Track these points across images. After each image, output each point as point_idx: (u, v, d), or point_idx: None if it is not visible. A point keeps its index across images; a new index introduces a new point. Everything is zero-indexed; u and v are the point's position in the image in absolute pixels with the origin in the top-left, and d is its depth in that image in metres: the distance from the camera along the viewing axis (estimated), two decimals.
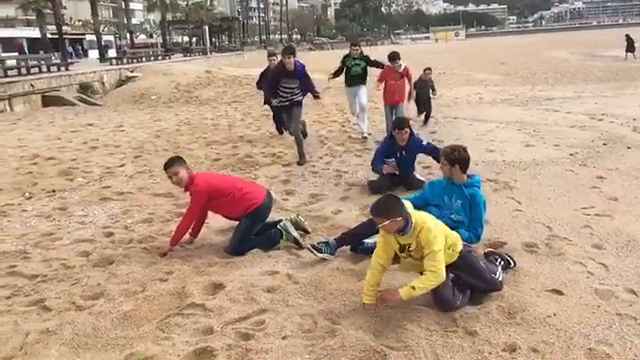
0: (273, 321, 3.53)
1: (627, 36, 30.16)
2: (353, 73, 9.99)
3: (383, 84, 9.92)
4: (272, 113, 10.47)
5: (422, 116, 11.67)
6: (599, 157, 7.89)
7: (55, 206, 6.43)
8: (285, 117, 8.94)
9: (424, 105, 11.58)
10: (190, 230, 4.95)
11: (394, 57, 9.83)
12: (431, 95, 11.76)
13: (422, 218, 3.61)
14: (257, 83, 11.08)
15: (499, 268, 3.95)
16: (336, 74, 10.24)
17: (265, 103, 9.90)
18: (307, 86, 8.39)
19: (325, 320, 3.54)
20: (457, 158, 4.46)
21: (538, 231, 5.03)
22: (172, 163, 4.74)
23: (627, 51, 29.22)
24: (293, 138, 8.60)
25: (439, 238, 3.52)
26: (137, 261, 4.63)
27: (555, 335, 3.29)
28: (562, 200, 6.00)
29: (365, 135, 9.94)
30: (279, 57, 9.01)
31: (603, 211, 5.55)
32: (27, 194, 6.97)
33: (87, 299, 3.96)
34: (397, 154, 6.57)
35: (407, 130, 6.47)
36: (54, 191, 7.09)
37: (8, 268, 4.56)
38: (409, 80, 10.17)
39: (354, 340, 3.24)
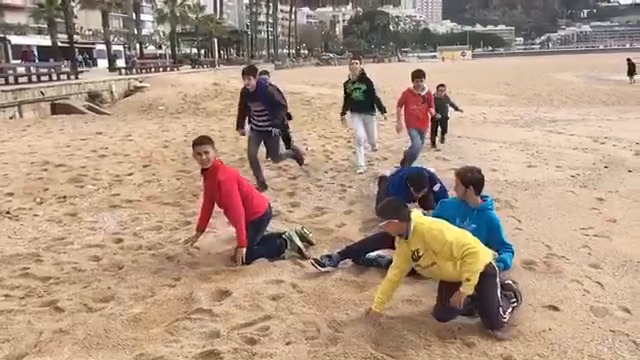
0: (278, 327, 3.66)
1: (628, 60, 30.43)
2: (354, 99, 8.53)
3: (403, 109, 8.64)
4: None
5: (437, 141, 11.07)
6: (600, 179, 8.02)
7: (66, 211, 6.58)
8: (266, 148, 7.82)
9: (442, 126, 10.99)
10: (197, 223, 5.07)
11: (418, 75, 8.31)
12: (449, 114, 11.26)
13: (429, 223, 3.65)
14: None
15: (510, 308, 3.74)
16: (345, 108, 8.90)
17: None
18: (272, 112, 7.33)
19: (328, 328, 3.66)
20: (472, 180, 4.29)
21: (537, 249, 5.15)
22: (205, 141, 4.79)
23: (629, 74, 29.46)
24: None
25: (445, 231, 3.57)
26: (146, 267, 4.77)
27: (550, 349, 3.41)
28: (562, 220, 6.13)
29: (361, 171, 8.48)
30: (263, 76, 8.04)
31: (601, 232, 5.68)
32: (38, 199, 7.13)
33: (98, 302, 4.10)
34: (410, 202, 5.95)
35: (425, 189, 5.77)
36: (64, 197, 7.25)
37: (21, 270, 4.70)
38: (430, 104, 8.68)
39: (355, 348, 3.37)
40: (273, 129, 7.33)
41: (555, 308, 3.97)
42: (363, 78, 8.46)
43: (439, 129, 11.08)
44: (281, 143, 8.17)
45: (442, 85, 11.39)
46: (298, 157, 8.36)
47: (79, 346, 3.44)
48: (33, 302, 4.10)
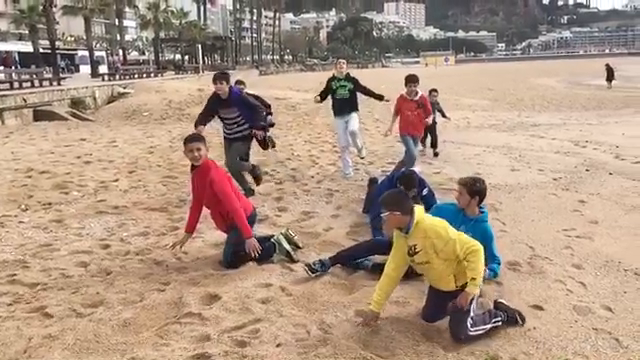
0: (267, 330, 3.69)
1: (607, 65, 31.02)
2: (338, 97, 8.47)
3: (398, 117, 8.47)
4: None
5: (428, 145, 10.73)
6: (581, 182, 8.18)
7: (51, 218, 6.54)
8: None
9: (430, 132, 10.34)
10: (186, 224, 5.09)
11: (411, 79, 8.17)
12: (436, 120, 10.39)
13: (431, 220, 3.62)
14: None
15: (489, 325, 3.64)
16: (322, 95, 8.77)
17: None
18: (249, 117, 7.18)
19: (317, 330, 3.70)
20: (478, 190, 4.33)
21: (521, 251, 5.25)
22: (197, 138, 4.86)
23: (607, 80, 30.03)
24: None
25: (448, 229, 3.55)
26: (134, 272, 4.76)
27: (534, 347, 3.49)
28: (545, 222, 6.24)
29: (348, 175, 8.56)
30: (239, 86, 8.14)
31: (584, 233, 5.80)
32: (23, 206, 7.07)
33: (87, 307, 4.09)
34: None
35: (415, 191, 5.70)
36: (50, 204, 7.20)
37: (8, 277, 4.66)
38: (427, 113, 8.43)
39: (345, 348, 3.41)
40: (256, 132, 7.20)
41: (539, 307, 4.05)
42: (349, 77, 8.49)
43: (428, 137, 10.57)
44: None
45: (435, 90, 11.20)
46: (255, 175, 7.66)
47: (69, 351, 3.44)
48: (21, 308, 4.08)
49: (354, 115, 8.52)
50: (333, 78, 8.57)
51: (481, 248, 3.53)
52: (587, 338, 3.61)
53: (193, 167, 4.89)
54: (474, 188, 4.33)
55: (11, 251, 5.38)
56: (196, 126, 7.16)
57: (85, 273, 4.77)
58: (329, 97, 8.73)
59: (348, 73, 8.58)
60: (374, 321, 3.69)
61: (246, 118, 7.16)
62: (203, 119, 7.25)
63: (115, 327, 3.73)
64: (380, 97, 8.63)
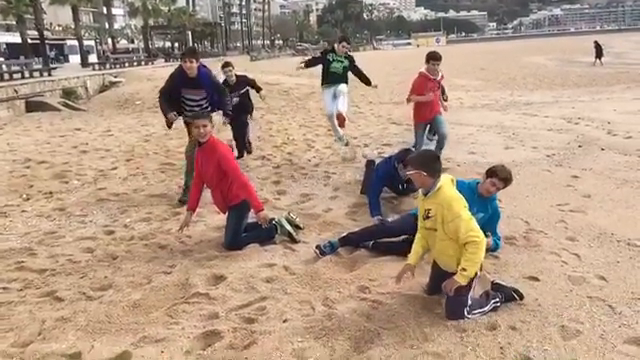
0: (274, 307, 3.81)
1: (595, 42, 31.09)
2: (332, 69, 8.23)
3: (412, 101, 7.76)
4: (232, 131, 8.77)
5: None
6: (574, 158, 8.31)
7: (54, 207, 6.61)
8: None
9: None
10: (189, 202, 5.17)
11: (434, 57, 7.53)
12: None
13: (453, 192, 3.55)
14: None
15: (487, 307, 3.67)
16: (308, 63, 8.55)
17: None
18: (218, 101, 6.64)
19: (322, 306, 3.83)
20: (510, 180, 4.49)
21: (517, 225, 5.38)
22: (204, 116, 4.99)
23: (596, 57, 30.11)
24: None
25: (463, 208, 3.48)
26: (140, 256, 4.87)
27: (532, 315, 3.63)
28: (539, 197, 6.38)
29: (344, 142, 8.70)
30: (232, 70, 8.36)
31: (577, 207, 5.94)
32: (24, 196, 7.14)
33: (96, 290, 4.20)
34: (399, 186, 6.26)
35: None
36: (51, 193, 7.27)
37: (16, 264, 4.76)
38: (442, 92, 8.07)
39: (349, 322, 3.54)
40: (224, 118, 6.74)
41: (535, 279, 4.19)
42: (347, 55, 8.35)
43: None
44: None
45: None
46: None
47: (82, 332, 3.55)
48: (32, 293, 4.19)
49: (343, 84, 8.34)
50: (331, 51, 8.36)
51: (483, 242, 3.46)
52: (582, 306, 3.75)
53: (200, 143, 4.98)
54: (509, 178, 4.47)
55: (16, 239, 5.47)
56: (166, 114, 6.34)
57: (92, 258, 4.87)
58: (319, 68, 8.50)
59: (346, 51, 8.43)
60: (411, 272, 3.78)
61: (212, 102, 6.59)
62: (172, 103, 6.43)
63: (125, 308, 3.85)
64: (368, 82, 8.54)
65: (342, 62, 8.28)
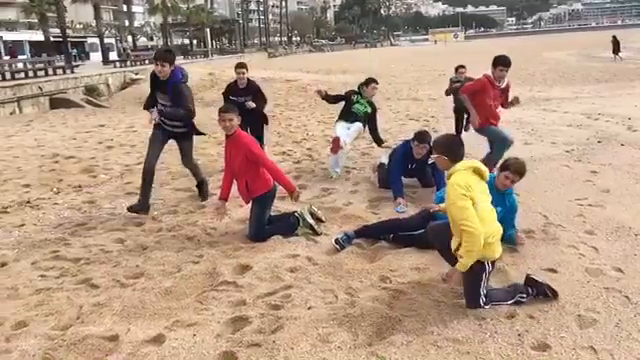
0: (298, 295, 3.97)
1: (613, 37, 30.74)
2: (354, 110, 7.70)
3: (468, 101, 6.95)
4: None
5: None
6: (593, 153, 8.35)
7: (84, 200, 6.86)
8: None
9: (464, 111, 8.89)
10: (220, 192, 5.39)
11: (503, 62, 6.72)
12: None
13: (462, 178, 3.55)
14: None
15: (511, 301, 3.73)
16: (329, 99, 8.12)
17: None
18: (177, 108, 6.06)
19: (344, 294, 3.98)
20: (523, 172, 4.67)
21: (535, 219, 5.48)
22: (230, 109, 5.22)
23: (614, 52, 29.79)
24: None
25: (462, 197, 3.47)
26: (169, 247, 5.07)
27: (549, 305, 3.74)
28: (558, 192, 6.46)
29: (333, 175, 7.57)
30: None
31: (596, 202, 6.01)
32: (55, 189, 7.40)
33: (129, 278, 4.41)
34: (409, 165, 6.48)
35: (427, 147, 6.08)
36: (80, 186, 7.52)
37: (52, 253, 5.00)
38: (505, 101, 7.17)
39: (372, 310, 3.68)
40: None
41: (553, 270, 4.29)
42: (371, 102, 7.86)
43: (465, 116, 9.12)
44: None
45: (462, 66, 9.94)
46: (200, 188, 6.89)
47: (118, 316, 3.75)
48: (69, 280, 4.41)
49: (359, 123, 7.71)
50: (357, 93, 7.85)
51: (476, 233, 3.41)
52: (598, 296, 3.85)
53: (227, 135, 5.21)
54: (524, 171, 4.69)
55: (50, 230, 5.71)
56: (146, 108, 6.40)
57: (123, 248, 5.09)
58: (335, 104, 8.21)
59: (374, 94, 7.95)
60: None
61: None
62: (151, 101, 6.29)
63: (158, 295, 4.04)
64: (380, 141, 7.89)
65: (365, 107, 7.74)
